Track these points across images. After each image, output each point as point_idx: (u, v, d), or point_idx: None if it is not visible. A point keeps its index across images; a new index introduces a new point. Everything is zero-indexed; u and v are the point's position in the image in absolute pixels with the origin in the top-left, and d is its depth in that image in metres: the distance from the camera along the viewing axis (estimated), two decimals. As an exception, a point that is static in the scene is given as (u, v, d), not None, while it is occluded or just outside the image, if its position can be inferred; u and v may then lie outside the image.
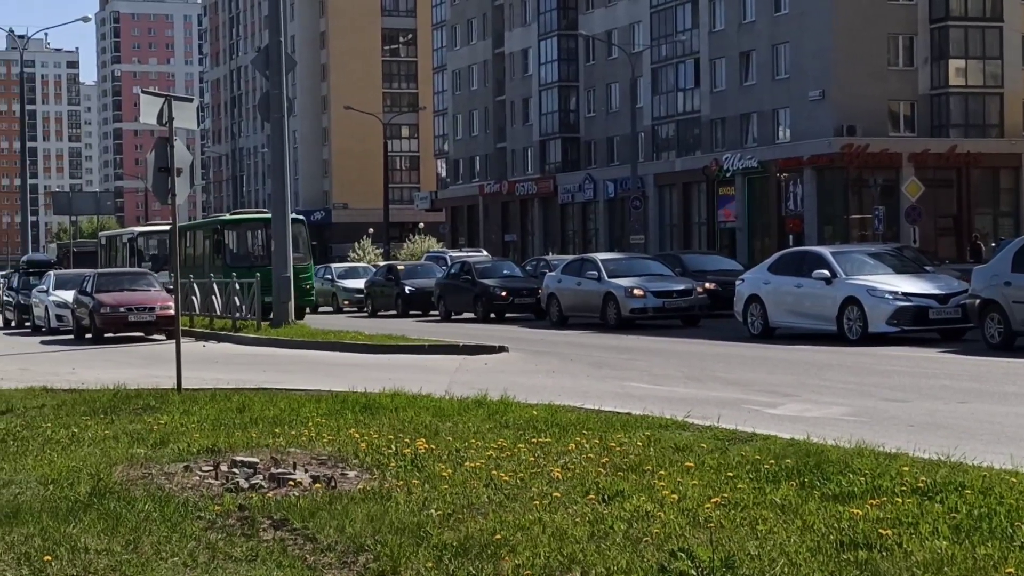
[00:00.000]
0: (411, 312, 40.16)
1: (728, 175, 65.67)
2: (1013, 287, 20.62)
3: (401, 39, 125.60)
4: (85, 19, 72.11)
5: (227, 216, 41.72)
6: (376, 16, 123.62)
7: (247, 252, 38.05)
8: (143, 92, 16.47)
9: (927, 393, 14.83)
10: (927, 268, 27.16)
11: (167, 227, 45.80)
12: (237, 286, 31.79)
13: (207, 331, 30.68)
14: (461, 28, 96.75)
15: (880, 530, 6.91)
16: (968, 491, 7.76)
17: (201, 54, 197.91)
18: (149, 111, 15.84)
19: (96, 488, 8.68)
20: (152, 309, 29.82)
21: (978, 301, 21.35)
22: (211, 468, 9.35)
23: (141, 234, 47.94)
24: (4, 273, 63.47)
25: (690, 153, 69.97)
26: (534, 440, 10.29)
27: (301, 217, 39.38)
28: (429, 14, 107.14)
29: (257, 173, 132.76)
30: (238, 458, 9.59)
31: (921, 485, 7.96)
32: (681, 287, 30.29)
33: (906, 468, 8.47)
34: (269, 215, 41.70)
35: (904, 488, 7.93)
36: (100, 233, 56.13)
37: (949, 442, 9.89)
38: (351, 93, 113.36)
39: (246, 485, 8.71)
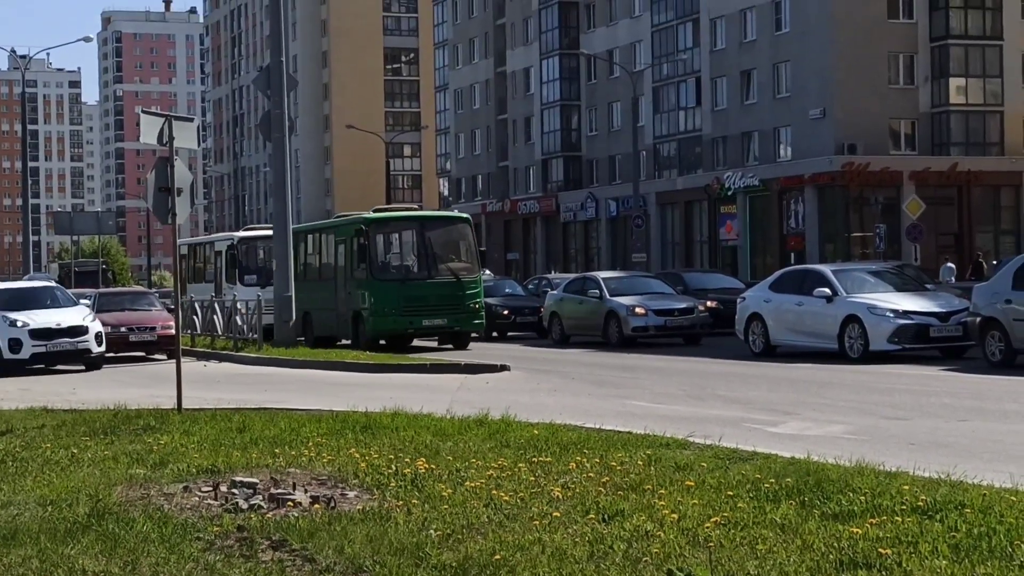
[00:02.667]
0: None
1: (729, 193, 65.66)
2: (1014, 305, 20.63)
3: (403, 58, 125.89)
4: (87, 39, 72.14)
5: (372, 213, 32.15)
6: (378, 35, 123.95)
7: (396, 261, 31.29)
8: (143, 112, 16.49)
9: (928, 411, 14.82)
10: (928, 286, 27.15)
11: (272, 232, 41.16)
12: (240, 306, 31.72)
13: (208, 351, 30.67)
14: (463, 47, 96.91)
15: (880, 549, 6.89)
16: (968, 510, 7.75)
17: (203, 74, 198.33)
18: (149, 131, 15.86)
19: (95, 509, 8.67)
20: (153, 329, 29.83)
21: (979, 319, 21.35)
22: (210, 489, 9.34)
23: (243, 240, 38.76)
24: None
25: (692, 171, 70.01)
26: (535, 459, 10.28)
27: (466, 216, 32.48)
28: (431, 33, 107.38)
29: (259, 192, 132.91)
30: (238, 478, 9.58)
31: (921, 504, 7.95)
32: (683, 305, 30.29)
33: (906, 487, 8.46)
34: (426, 212, 35.11)
35: (904, 507, 7.92)
36: (179, 241, 48.05)
37: (950, 460, 9.88)
38: (353, 112, 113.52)
39: (245, 506, 8.70)
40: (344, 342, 31.17)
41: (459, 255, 30.65)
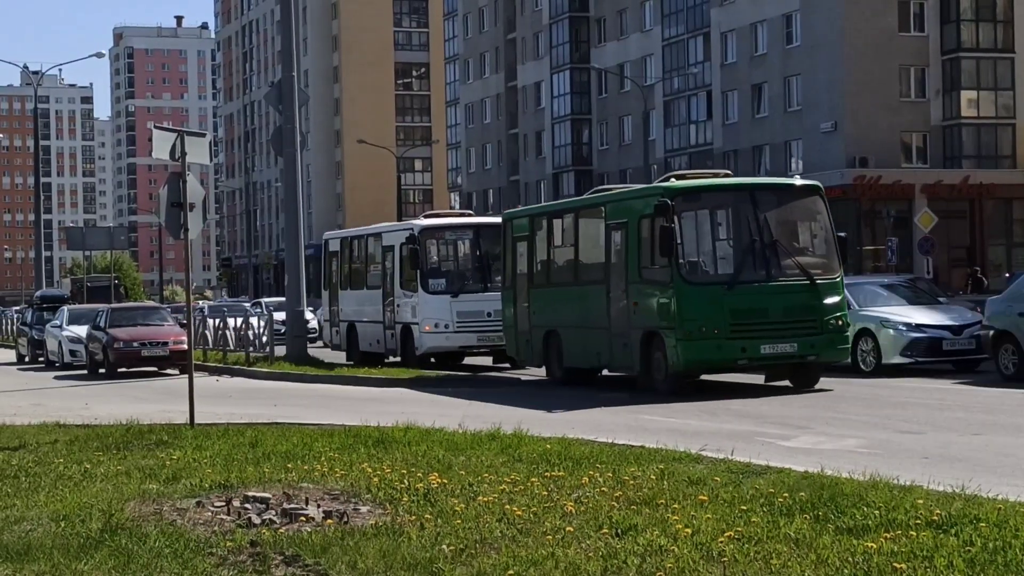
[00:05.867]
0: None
1: (741, 207, 65.56)
2: (1027, 318, 20.54)
3: (414, 73, 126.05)
4: (99, 55, 72.34)
5: (673, 181, 20.87)
6: (389, 50, 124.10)
7: (717, 253, 20.29)
8: (155, 128, 16.54)
9: (941, 425, 14.77)
10: (940, 299, 27.09)
11: (472, 219, 30.36)
12: (254, 320, 31.66)
13: (220, 365, 30.69)
14: (474, 62, 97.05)
15: (895, 564, 6.87)
16: (983, 524, 7.72)
17: (215, 89, 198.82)
18: (161, 147, 15.89)
19: (107, 524, 8.67)
20: (165, 344, 29.91)
21: (992, 332, 21.30)
22: (223, 504, 9.34)
23: (427, 231, 28.05)
24: (18, 308, 63.67)
25: (703, 185, 69.92)
26: (547, 474, 10.27)
27: (816, 183, 21.11)
28: (442, 48, 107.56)
29: (271, 207, 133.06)
30: (250, 493, 9.58)
31: (936, 518, 7.92)
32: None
33: (921, 501, 8.43)
34: (754, 180, 24.97)
35: (919, 521, 7.89)
36: (326, 235, 34.01)
37: (964, 474, 9.84)
38: (364, 127, 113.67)
39: (258, 521, 8.69)
40: (605, 373, 22.57)
41: (809, 244, 20.72)
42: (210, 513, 9.13)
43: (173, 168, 16.22)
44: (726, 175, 22.06)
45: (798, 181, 21.75)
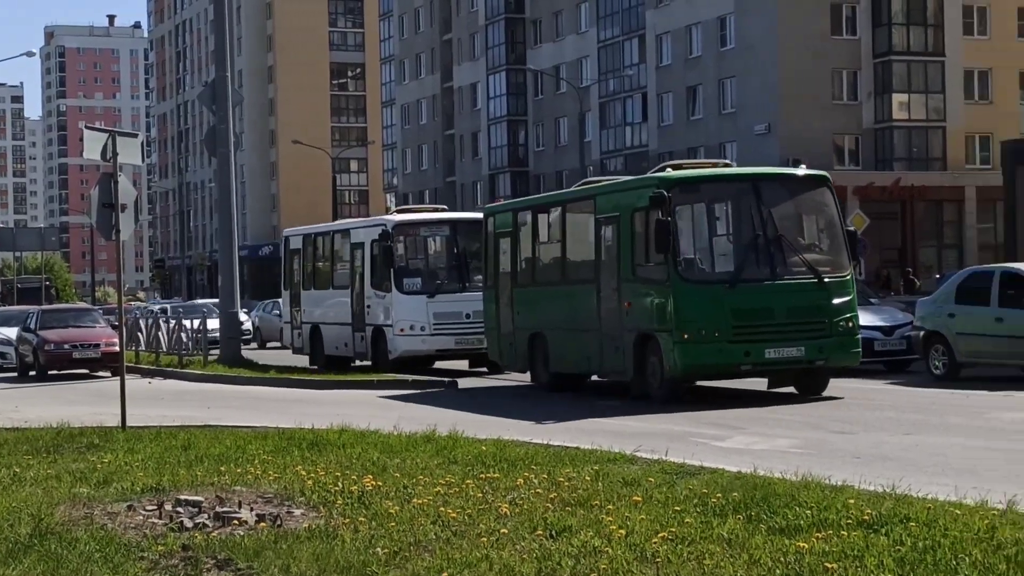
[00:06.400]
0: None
1: (676, 208, 65.81)
2: (957, 319, 20.87)
3: (349, 73, 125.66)
4: (29, 54, 71.35)
5: (670, 171, 19.45)
6: (324, 50, 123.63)
7: (717, 250, 18.94)
8: (86, 128, 16.36)
9: (873, 425, 14.92)
10: (872, 300, 27.35)
11: (449, 215, 28.60)
12: (187, 322, 31.40)
13: (153, 367, 30.43)
14: (410, 62, 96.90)
15: (826, 563, 6.92)
16: (913, 523, 7.80)
17: (147, 89, 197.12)
18: (93, 147, 15.73)
19: (37, 529, 8.57)
20: (97, 346, 29.60)
21: (923, 333, 21.56)
22: (155, 507, 9.26)
23: (401, 227, 26.56)
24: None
25: (638, 187, 70.16)
26: (482, 476, 10.26)
27: (823, 174, 19.99)
28: (377, 49, 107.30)
29: (204, 208, 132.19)
30: (182, 497, 9.50)
31: (867, 518, 7.99)
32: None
33: (852, 501, 8.51)
34: (755, 169, 22.19)
35: (850, 521, 7.96)
36: (287, 232, 32.28)
37: (895, 474, 9.94)
38: (299, 127, 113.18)
39: (190, 524, 8.63)
40: (594, 379, 21.53)
41: (817, 239, 19.46)
42: (142, 517, 9.05)
43: (105, 168, 16.06)
44: (725, 165, 21.05)
45: (800, 171, 20.26)
